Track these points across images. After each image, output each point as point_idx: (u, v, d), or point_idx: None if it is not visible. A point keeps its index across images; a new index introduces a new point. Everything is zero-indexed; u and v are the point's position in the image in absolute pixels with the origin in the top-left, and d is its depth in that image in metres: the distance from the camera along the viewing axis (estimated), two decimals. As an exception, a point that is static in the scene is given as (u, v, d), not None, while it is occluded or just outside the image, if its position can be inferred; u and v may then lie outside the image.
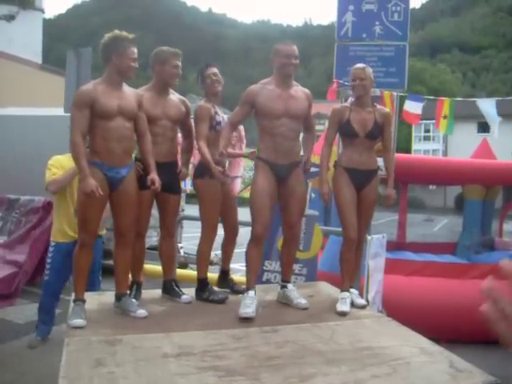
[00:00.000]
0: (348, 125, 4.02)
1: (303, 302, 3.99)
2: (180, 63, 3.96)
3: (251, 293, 3.82)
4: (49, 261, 5.13)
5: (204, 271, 4.20)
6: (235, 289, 4.28)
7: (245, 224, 5.62)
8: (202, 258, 4.23)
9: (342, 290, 4.06)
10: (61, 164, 5.02)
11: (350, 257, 4.09)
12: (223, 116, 4.15)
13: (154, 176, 3.66)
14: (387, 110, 4.21)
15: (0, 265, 6.47)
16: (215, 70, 4.20)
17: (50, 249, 5.15)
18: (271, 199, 3.88)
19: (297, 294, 4.07)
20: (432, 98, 5.68)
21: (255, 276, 3.98)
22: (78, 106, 3.46)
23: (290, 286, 4.13)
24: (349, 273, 4.11)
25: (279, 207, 4.05)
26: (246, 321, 3.60)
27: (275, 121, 3.83)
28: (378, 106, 4.17)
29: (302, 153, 4.10)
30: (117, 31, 3.57)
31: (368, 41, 5.59)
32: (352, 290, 4.14)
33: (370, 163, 4.11)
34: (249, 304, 3.72)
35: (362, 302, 4.13)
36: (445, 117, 5.28)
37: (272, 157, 3.86)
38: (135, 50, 3.61)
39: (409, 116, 5.44)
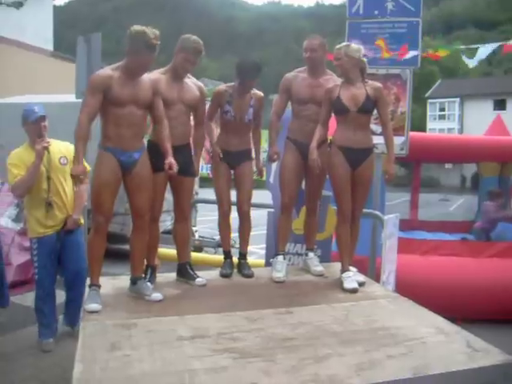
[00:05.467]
0: (338, 101, 4.02)
1: (319, 269, 4.41)
2: (196, 60, 3.93)
3: (280, 258, 4.35)
4: (35, 259, 4.78)
5: (225, 245, 4.49)
6: (244, 272, 4.33)
7: (259, 206, 5.63)
8: (220, 233, 4.48)
9: (344, 270, 4.11)
10: (22, 160, 4.60)
11: (345, 233, 4.16)
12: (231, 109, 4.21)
13: (171, 160, 3.66)
14: (378, 84, 4.17)
15: (17, 251, 6.56)
16: (255, 82, 4.20)
17: (33, 246, 4.78)
18: (297, 174, 4.34)
19: (316, 262, 4.50)
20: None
21: (284, 242, 4.49)
22: (92, 90, 3.48)
23: (310, 254, 4.56)
24: (347, 251, 4.18)
25: (304, 182, 4.46)
26: (278, 285, 4.13)
27: (302, 105, 4.26)
28: (370, 81, 4.13)
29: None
30: (145, 29, 3.42)
31: (380, 18, 5.49)
32: (350, 267, 4.19)
33: (365, 141, 4.08)
34: (280, 269, 4.26)
35: (361, 278, 4.18)
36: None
37: (298, 136, 4.29)
38: (152, 58, 3.51)
39: None
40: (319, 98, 4.17)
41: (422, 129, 39.47)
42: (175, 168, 3.67)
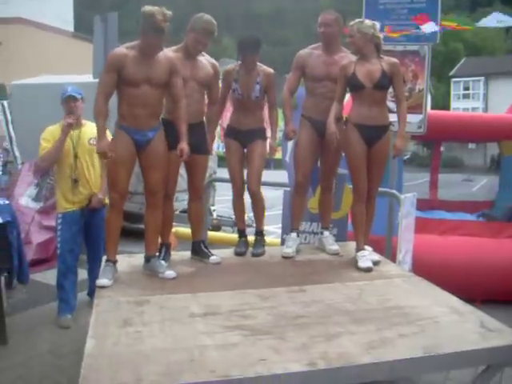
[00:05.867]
0: (354, 77, 3.97)
1: (334, 248, 4.42)
2: (207, 41, 3.92)
3: (293, 235, 4.43)
4: (58, 233, 4.91)
5: (239, 223, 4.54)
6: (253, 252, 4.34)
7: (276, 185, 5.62)
8: (235, 211, 4.54)
9: (359, 249, 4.11)
10: (53, 136, 4.78)
11: (361, 212, 4.15)
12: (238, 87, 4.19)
13: (183, 146, 3.68)
14: (394, 59, 4.10)
15: (37, 230, 6.65)
16: (256, 58, 4.14)
17: (58, 221, 4.92)
18: (312, 153, 4.32)
19: (331, 240, 4.52)
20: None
21: (298, 220, 4.53)
22: (107, 69, 3.53)
23: (325, 233, 4.57)
24: (362, 230, 4.17)
25: (320, 160, 4.43)
26: (292, 263, 4.18)
27: (318, 82, 4.22)
28: (385, 57, 4.06)
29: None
30: (155, 11, 3.40)
31: (398, -8, 5.34)
32: (366, 246, 4.18)
33: (381, 118, 4.04)
34: (290, 245, 4.34)
35: (376, 257, 4.19)
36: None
37: (313, 114, 4.28)
38: (160, 40, 3.50)
39: None
40: (334, 75, 4.12)
41: (446, 108, 38.87)
42: (186, 155, 3.69)
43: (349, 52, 4.24)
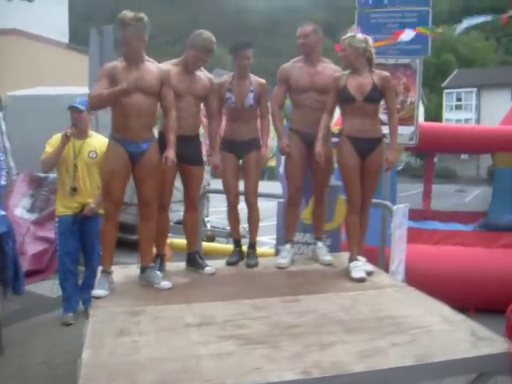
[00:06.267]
0: (345, 90, 4.03)
1: (328, 258, 4.46)
2: (207, 58, 3.99)
3: (288, 246, 4.48)
4: (56, 237, 5.18)
5: (234, 234, 4.60)
6: (246, 262, 4.38)
7: (271, 196, 5.65)
8: (230, 222, 4.60)
9: (352, 260, 4.14)
10: (58, 142, 4.94)
11: (354, 223, 4.19)
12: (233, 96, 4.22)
13: (168, 153, 3.70)
14: (386, 73, 4.16)
15: (31, 241, 6.66)
16: (249, 53, 4.17)
17: (55, 224, 5.18)
18: (302, 166, 4.36)
19: (325, 251, 4.55)
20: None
21: (292, 232, 4.59)
22: (100, 78, 3.62)
23: (319, 243, 4.60)
24: (356, 241, 4.21)
25: (310, 173, 4.43)
26: (286, 273, 4.20)
27: (303, 94, 4.23)
28: (377, 71, 4.12)
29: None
30: (123, 13, 3.51)
31: (389, 7, 5.45)
32: (359, 257, 4.21)
33: (374, 131, 4.09)
34: (285, 256, 4.39)
35: (370, 268, 4.20)
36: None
37: (301, 126, 4.30)
38: (129, 35, 3.52)
39: None
40: (319, 86, 4.20)
41: (439, 119, 39.10)
42: (170, 162, 3.71)
43: (331, 62, 4.32)
